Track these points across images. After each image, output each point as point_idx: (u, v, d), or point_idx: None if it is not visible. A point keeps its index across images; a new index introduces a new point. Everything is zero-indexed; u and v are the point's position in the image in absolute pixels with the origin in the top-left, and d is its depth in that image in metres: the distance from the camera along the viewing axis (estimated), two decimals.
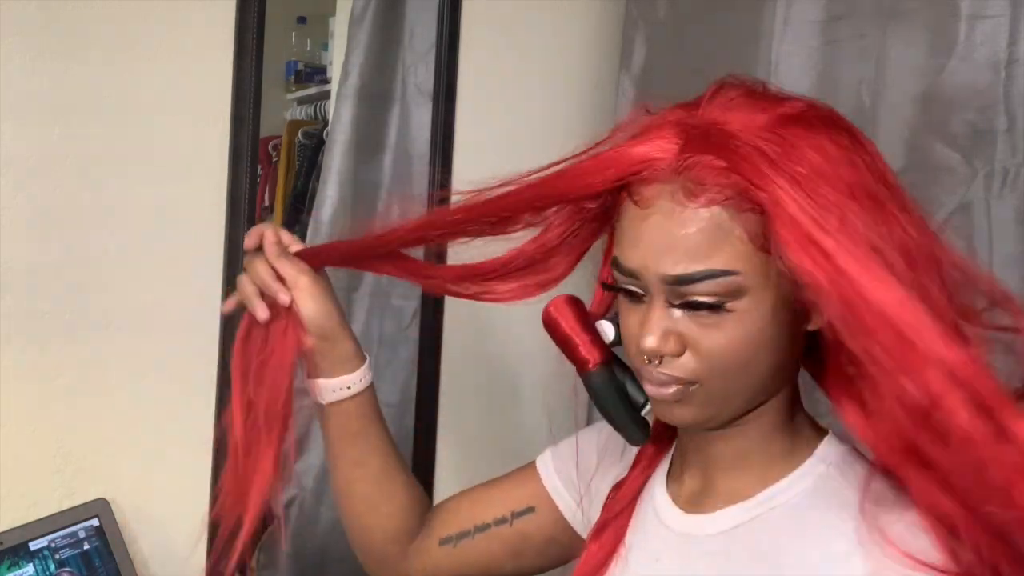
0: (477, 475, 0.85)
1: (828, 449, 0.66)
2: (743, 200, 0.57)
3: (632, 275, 0.61)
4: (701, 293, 0.58)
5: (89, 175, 1.03)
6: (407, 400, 1.34)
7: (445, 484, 1.34)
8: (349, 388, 0.82)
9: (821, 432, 0.68)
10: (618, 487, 0.76)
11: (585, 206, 0.66)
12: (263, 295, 0.80)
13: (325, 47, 1.51)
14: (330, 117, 1.40)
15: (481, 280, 0.72)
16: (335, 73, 1.40)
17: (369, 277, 1.39)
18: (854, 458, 0.66)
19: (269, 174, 1.50)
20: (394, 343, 1.37)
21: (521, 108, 1.40)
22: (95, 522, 1.02)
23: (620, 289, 0.63)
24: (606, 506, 0.76)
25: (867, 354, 0.53)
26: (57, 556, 0.98)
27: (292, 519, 1.35)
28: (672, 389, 0.62)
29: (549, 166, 0.65)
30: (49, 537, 0.99)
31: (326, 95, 1.45)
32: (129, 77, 1.04)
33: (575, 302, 0.71)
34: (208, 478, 1.11)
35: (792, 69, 1.19)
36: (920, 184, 1.07)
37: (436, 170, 1.29)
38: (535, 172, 0.65)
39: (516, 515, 0.82)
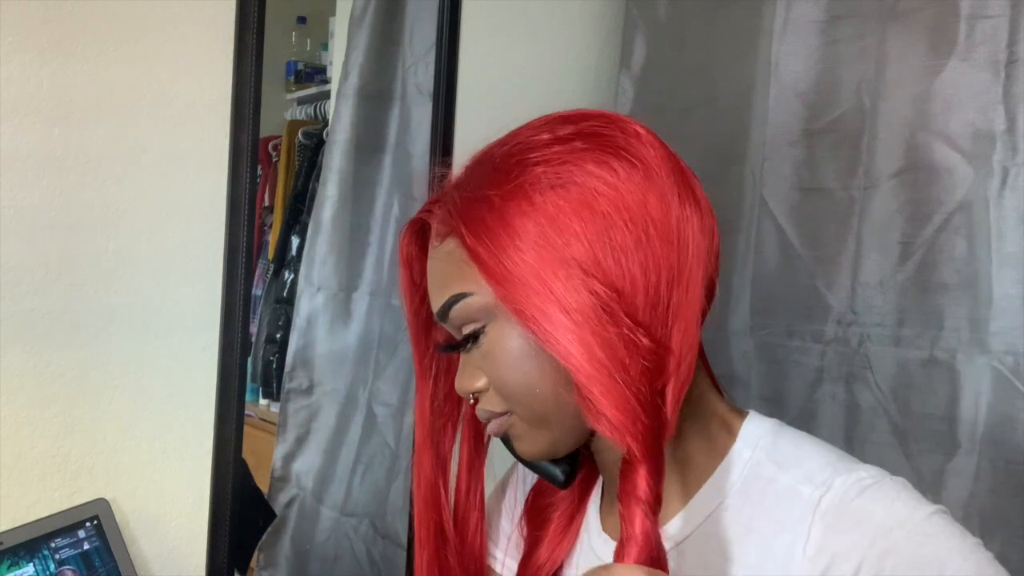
0: None
1: (751, 431, 0.65)
2: (456, 233, 0.63)
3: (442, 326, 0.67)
4: (459, 323, 0.63)
5: (89, 175, 1.03)
6: (407, 400, 1.35)
7: None
8: None
9: (741, 414, 0.67)
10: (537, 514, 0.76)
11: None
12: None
13: (325, 47, 1.51)
14: (330, 117, 1.40)
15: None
16: (335, 73, 1.40)
17: (369, 276, 1.39)
18: (780, 432, 0.65)
19: (269, 174, 1.50)
20: (394, 343, 1.37)
21: (521, 108, 1.39)
22: (95, 522, 1.02)
23: (450, 349, 0.68)
24: (531, 537, 0.75)
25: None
26: (57, 556, 0.98)
27: (292, 519, 1.35)
28: (494, 424, 0.65)
29: None
30: (49, 537, 0.99)
31: (326, 95, 1.45)
32: (129, 77, 1.04)
33: None
34: (208, 478, 1.11)
35: (792, 69, 1.19)
36: (920, 184, 1.07)
37: (436, 170, 1.29)
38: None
39: None
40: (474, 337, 0.63)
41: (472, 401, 0.66)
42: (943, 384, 1.04)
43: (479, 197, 0.62)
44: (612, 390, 0.56)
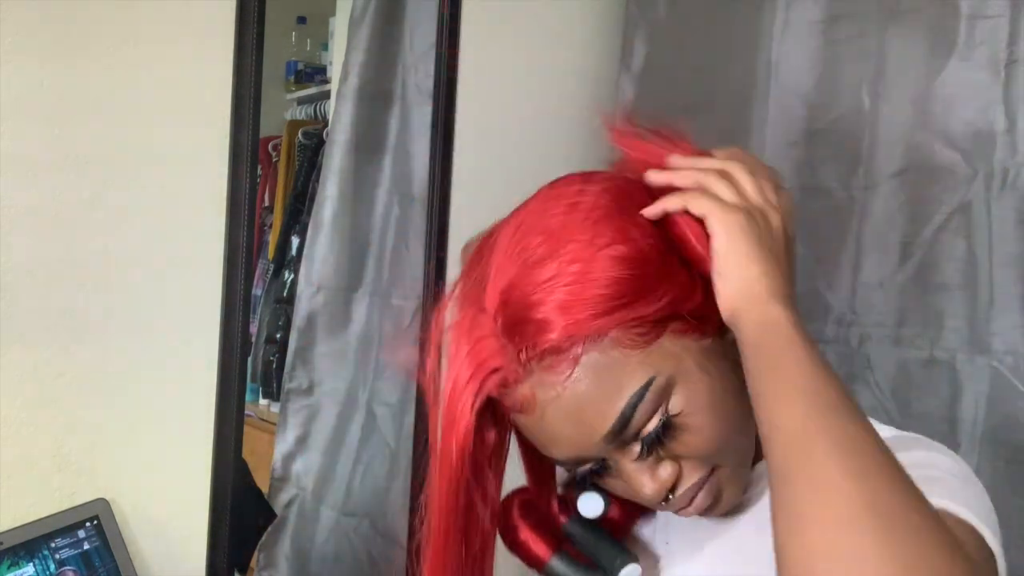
0: None
1: None
2: (596, 332, 0.55)
3: (579, 463, 0.59)
4: (644, 423, 0.56)
5: (89, 175, 1.03)
6: (407, 400, 1.34)
7: None
8: None
9: None
10: None
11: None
12: None
13: (325, 47, 1.51)
14: (330, 117, 1.40)
15: None
16: (335, 73, 1.40)
17: (369, 276, 1.39)
18: None
19: (269, 174, 1.50)
20: (394, 343, 1.37)
21: (521, 108, 1.39)
22: (95, 522, 1.02)
23: (585, 475, 0.61)
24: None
25: None
26: (57, 556, 0.98)
27: (292, 519, 1.35)
28: (704, 494, 0.59)
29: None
30: (49, 537, 0.99)
31: (326, 95, 1.45)
32: (129, 77, 1.04)
33: (518, 500, 0.68)
34: (208, 478, 1.11)
35: (792, 69, 1.19)
36: (920, 184, 1.07)
37: (436, 170, 1.29)
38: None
39: None
40: (661, 430, 0.57)
41: (672, 496, 0.59)
42: (943, 384, 1.04)
43: (578, 294, 0.55)
44: None
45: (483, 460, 0.61)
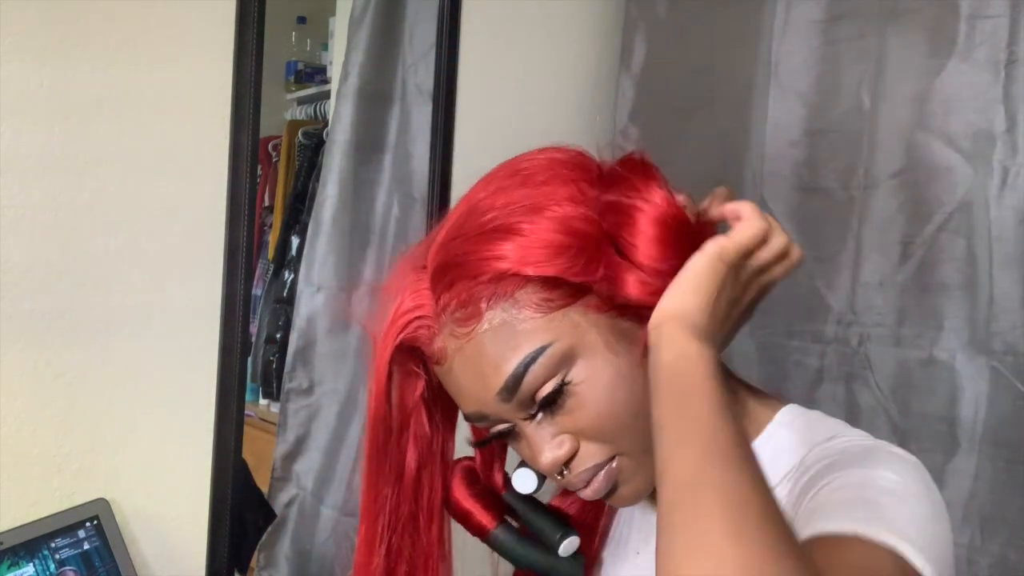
0: None
1: (787, 416, 0.66)
2: (501, 290, 0.58)
3: (481, 417, 0.61)
4: (537, 385, 0.58)
5: (89, 175, 1.03)
6: None
7: None
8: None
9: (775, 403, 0.67)
10: None
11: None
12: None
13: (325, 47, 1.51)
14: (330, 117, 1.40)
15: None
16: (335, 73, 1.40)
17: (369, 276, 1.39)
18: (819, 420, 0.66)
19: (269, 174, 1.51)
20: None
21: (521, 108, 1.40)
22: (95, 522, 1.02)
23: (492, 437, 0.63)
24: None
25: None
26: (57, 556, 0.98)
27: (292, 519, 1.35)
28: (601, 479, 0.60)
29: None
30: (49, 537, 0.99)
31: (326, 95, 1.45)
32: (129, 77, 1.04)
33: (462, 469, 0.69)
34: (208, 478, 1.11)
35: (792, 69, 1.20)
36: (920, 184, 1.07)
37: (436, 170, 1.29)
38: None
39: None
40: (555, 395, 0.58)
41: (566, 472, 0.60)
42: (943, 384, 1.04)
43: (497, 252, 0.58)
44: None
45: (410, 399, 0.64)
